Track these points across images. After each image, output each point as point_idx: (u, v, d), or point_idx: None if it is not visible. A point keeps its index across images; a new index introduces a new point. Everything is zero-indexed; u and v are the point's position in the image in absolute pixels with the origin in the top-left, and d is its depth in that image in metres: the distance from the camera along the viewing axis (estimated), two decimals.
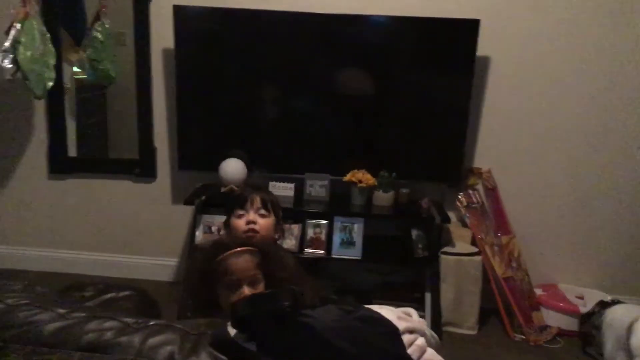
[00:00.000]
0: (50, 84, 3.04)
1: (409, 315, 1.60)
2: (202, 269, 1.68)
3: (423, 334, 1.50)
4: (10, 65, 2.87)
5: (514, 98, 3.23)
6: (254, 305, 1.13)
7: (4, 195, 3.66)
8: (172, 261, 3.64)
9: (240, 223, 2.01)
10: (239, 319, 1.13)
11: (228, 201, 2.19)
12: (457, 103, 3.09)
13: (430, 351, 1.47)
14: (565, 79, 3.17)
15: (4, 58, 2.86)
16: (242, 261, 1.63)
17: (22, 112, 3.52)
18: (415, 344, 1.43)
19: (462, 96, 3.07)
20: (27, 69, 2.89)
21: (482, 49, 3.04)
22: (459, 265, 3.12)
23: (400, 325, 1.42)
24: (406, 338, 1.41)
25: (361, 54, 3.15)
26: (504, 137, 3.28)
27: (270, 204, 2.07)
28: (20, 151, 3.59)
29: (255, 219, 2.01)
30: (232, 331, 1.19)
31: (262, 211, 2.04)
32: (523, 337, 3.09)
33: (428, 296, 3.15)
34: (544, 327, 3.15)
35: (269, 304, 1.12)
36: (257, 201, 2.04)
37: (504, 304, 3.15)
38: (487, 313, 3.26)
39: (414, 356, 1.38)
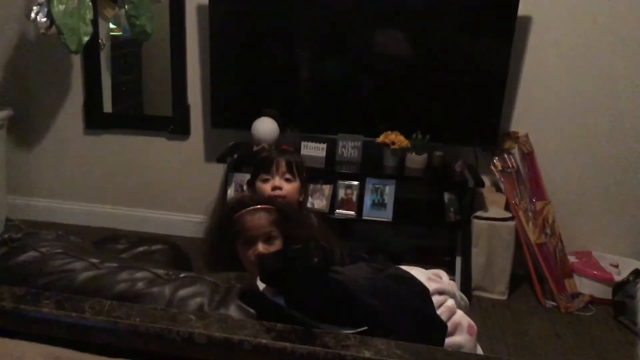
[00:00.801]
0: (87, 38, 3.04)
1: (439, 277, 1.58)
2: (221, 225, 1.74)
3: (453, 296, 1.49)
4: (45, 19, 2.88)
5: (555, 61, 3.13)
6: (283, 260, 1.13)
7: (40, 149, 3.73)
8: (204, 218, 3.67)
9: (265, 187, 2.01)
10: (267, 273, 1.12)
11: (253, 164, 2.18)
12: (496, 64, 3.01)
13: (459, 313, 1.46)
14: (609, 40, 3.06)
15: (38, 12, 2.87)
16: (257, 218, 1.66)
17: (59, 67, 3.56)
18: (444, 305, 1.42)
19: (501, 57, 2.99)
20: (61, 23, 2.90)
21: (523, 8, 2.94)
22: (492, 230, 3.08)
23: (430, 286, 1.41)
24: (435, 299, 1.40)
25: (397, 13, 3.08)
26: (543, 100, 3.19)
27: (296, 167, 2.05)
28: (57, 106, 3.64)
29: (280, 184, 2.00)
30: (261, 285, 1.19)
31: (288, 175, 2.03)
32: (554, 304, 3.06)
33: (459, 260, 3.13)
34: (576, 295, 3.12)
35: (299, 259, 1.12)
36: (283, 165, 2.03)
37: (536, 270, 3.11)
38: (519, 279, 3.23)
39: (442, 317, 1.37)
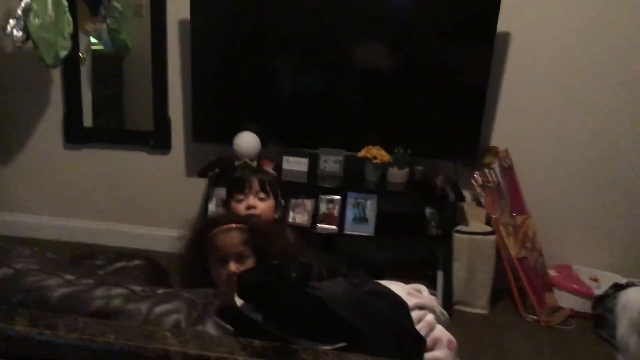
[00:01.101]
0: (65, 52, 3.03)
1: (419, 291, 1.59)
2: (194, 242, 1.77)
3: (433, 311, 1.49)
4: (20, 33, 2.87)
5: (534, 76, 3.17)
6: (260, 276, 1.12)
7: (19, 163, 3.69)
8: (183, 233, 3.63)
9: (240, 208, 2.01)
10: (245, 289, 1.12)
11: (227, 184, 2.19)
12: (476, 80, 3.04)
13: (439, 328, 1.46)
14: (587, 57, 3.10)
15: (14, 25, 2.85)
16: (229, 237, 1.67)
17: (38, 81, 3.53)
18: (424, 320, 1.42)
19: (480, 73, 3.02)
20: (37, 37, 2.88)
21: (502, 25, 2.98)
22: (473, 244, 3.09)
23: (410, 301, 1.41)
24: (415, 314, 1.40)
25: (379, 26, 3.10)
26: (522, 116, 3.23)
27: (269, 186, 2.06)
28: (36, 120, 3.61)
29: (255, 204, 2.01)
30: (238, 301, 1.19)
31: (262, 194, 2.03)
32: (535, 317, 3.07)
33: (440, 274, 3.13)
34: (557, 309, 3.13)
35: (276, 274, 1.11)
36: (256, 184, 2.03)
37: (517, 284, 3.13)
38: (499, 293, 3.24)
39: (422, 332, 1.37)
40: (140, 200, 3.66)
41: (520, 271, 3.09)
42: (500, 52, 3.12)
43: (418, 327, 1.35)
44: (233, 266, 1.64)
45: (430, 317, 1.42)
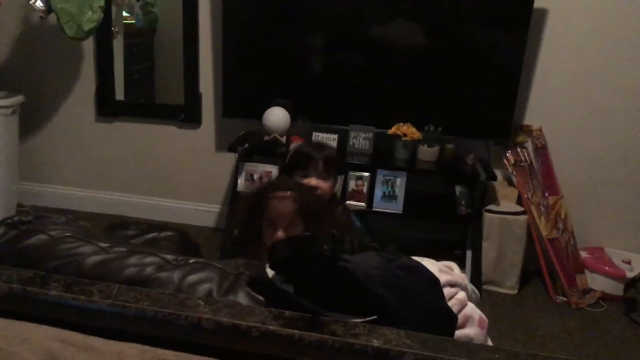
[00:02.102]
0: (92, 25, 3.02)
1: (451, 269, 1.57)
2: (251, 203, 1.80)
3: (464, 289, 1.47)
4: (41, 5, 2.88)
5: (571, 53, 3.09)
6: (292, 247, 1.12)
7: (52, 136, 3.74)
8: (214, 207, 3.67)
9: None
10: (277, 260, 1.12)
11: (289, 159, 2.17)
12: (510, 57, 2.98)
13: (470, 305, 1.44)
14: (626, 35, 3.01)
15: None
16: (282, 205, 1.71)
17: (71, 54, 3.56)
18: (455, 297, 1.40)
19: (515, 49, 2.95)
20: (58, 9, 2.89)
21: (540, 1, 2.90)
22: (503, 224, 3.06)
23: (442, 277, 1.40)
24: (447, 291, 1.38)
25: (412, 3, 3.05)
26: (558, 94, 3.16)
27: (332, 165, 2.05)
28: (68, 93, 3.65)
29: (317, 184, 2.00)
30: (270, 272, 1.19)
31: (324, 174, 2.02)
32: (565, 299, 3.04)
33: (469, 254, 3.11)
34: (587, 291, 3.09)
35: (308, 246, 1.11)
36: (321, 165, 2.02)
37: (547, 265, 3.09)
38: (529, 274, 3.21)
39: (453, 309, 1.35)
40: (170, 174, 3.69)
41: (551, 252, 3.05)
42: (537, 28, 3.04)
43: (450, 303, 1.34)
44: (280, 233, 1.68)
45: (462, 294, 1.40)
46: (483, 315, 1.44)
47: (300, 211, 1.72)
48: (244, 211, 1.85)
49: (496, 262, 3.09)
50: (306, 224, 1.72)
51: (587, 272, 3.14)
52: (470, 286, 1.54)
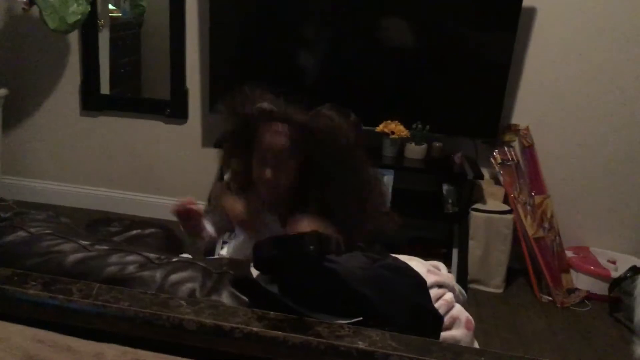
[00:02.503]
0: (76, 17, 2.98)
1: (438, 269, 1.56)
2: (241, 129, 1.53)
3: (452, 289, 1.46)
4: None
5: (559, 53, 3.09)
6: (277, 247, 1.10)
7: (35, 129, 3.69)
8: (200, 204, 3.63)
9: None
10: (262, 260, 1.10)
11: None
12: (499, 56, 2.98)
13: (457, 307, 1.43)
14: (614, 34, 3.02)
15: None
16: (274, 140, 1.46)
17: (56, 47, 3.50)
18: (443, 298, 1.39)
19: (504, 48, 2.95)
20: (40, 1, 2.85)
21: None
22: (489, 222, 3.06)
23: (430, 278, 1.39)
24: (434, 292, 1.38)
25: (400, 2, 3.04)
26: (545, 93, 3.16)
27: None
28: (53, 86, 3.60)
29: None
30: (254, 272, 1.17)
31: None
32: (550, 298, 3.04)
33: (455, 252, 3.11)
34: (573, 290, 3.10)
35: (294, 246, 1.09)
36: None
37: (533, 264, 3.09)
38: (515, 273, 3.22)
39: (440, 310, 1.35)
40: (156, 169, 3.65)
41: (536, 251, 3.06)
42: (525, 27, 3.04)
43: (436, 305, 1.33)
44: (269, 173, 1.45)
45: (449, 295, 1.40)
46: (470, 317, 1.43)
47: (299, 150, 1.46)
48: (232, 138, 1.57)
49: (482, 261, 3.09)
50: (302, 166, 1.47)
51: (572, 271, 3.15)
52: (457, 287, 1.54)
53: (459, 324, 1.38)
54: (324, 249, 1.08)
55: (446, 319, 1.35)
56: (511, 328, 2.78)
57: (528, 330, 2.78)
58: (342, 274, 1.10)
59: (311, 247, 1.06)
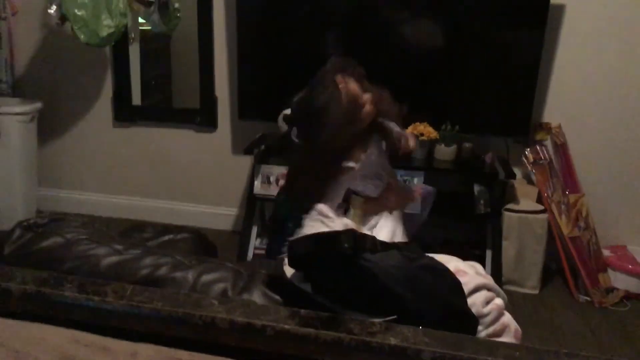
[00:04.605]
0: (109, 31, 3.02)
1: (475, 269, 1.53)
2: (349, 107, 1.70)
3: (498, 293, 1.44)
4: (54, 11, 2.91)
5: (589, 49, 3.04)
6: (312, 244, 1.10)
7: (69, 141, 3.76)
8: (231, 211, 3.67)
9: None
10: (295, 258, 1.10)
11: None
12: (528, 53, 2.94)
13: (508, 315, 1.41)
14: None
15: (51, 3, 2.89)
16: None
17: (88, 60, 3.57)
18: (494, 302, 1.37)
19: (533, 46, 2.91)
20: (71, 14, 2.91)
21: None
22: (523, 223, 3.01)
23: (478, 280, 1.37)
24: (482, 295, 1.35)
25: (428, 2, 3.03)
26: (577, 91, 3.11)
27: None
28: (86, 99, 3.67)
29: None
30: (288, 271, 1.17)
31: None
32: (588, 298, 2.98)
33: (489, 254, 3.07)
34: (611, 289, 3.03)
35: (329, 243, 1.09)
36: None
37: (569, 264, 3.04)
38: (550, 273, 3.17)
39: (491, 315, 1.33)
40: (187, 177, 3.69)
41: (572, 250, 3.00)
42: (555, 24, 3.00)
43: (487, 309, 1.31)
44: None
45: (499, 301, 1.37)
46: (518, 327, 1.41)
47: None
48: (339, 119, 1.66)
49: (516, 262, 3.05)
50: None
51: (609, 270, 3.08)
52: (501, 291, 1.51)
53: (508, 333, 1.36)
54: (359, 247, 1.08)
55: (497, 326, 1.33)
56: (548, 328, 2.73)
57: (566, 331, 2.72)
58: (376, 272, 1.10)
59: (346, 244, 1.05)
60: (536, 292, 3.06)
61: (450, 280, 1.26)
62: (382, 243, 1.18)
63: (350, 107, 1.64)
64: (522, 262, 3.05)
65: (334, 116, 1.62)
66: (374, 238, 1.14)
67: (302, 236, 1.12)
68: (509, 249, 3.04)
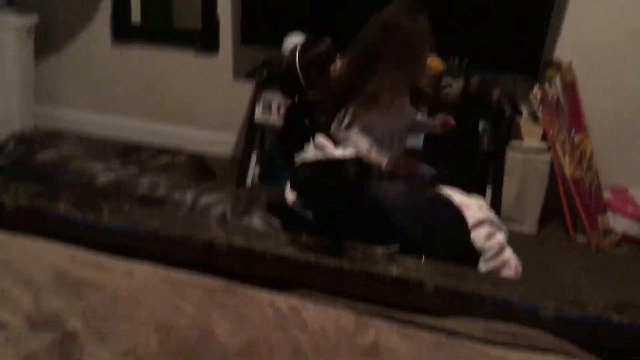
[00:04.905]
0: None
1: (479, 204, 1.51)
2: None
3: (500, 229, 1.41)
4: None
5: None
6: (317, 170, 1.06)
7: (67, 58, 3.68)
8: (231, 137, 3.62)
9: None
10: (300, 182, 1.06)
11: None
12: None
13: (509, 250, 1.39)
14: None
15: None
16: None
17: None
18: (495, 238, 1.35)
19: None
20: None
21: None
22: (526, 161, 2.98)
23: (482, 215, 1.34)
24: (485, 230, 1.33)
25: None
26: (590, 28, 3.00)
27: None
28: (84, 14, 3.56)
29: None
30: (290, 197, 1.14)
31: None
32: (585, 240, 2.98)
33: (489, 190, 3.04)
34: (609, 232, 3.03)
35: (334, 169, 1.05)
36: None
37: (569, 205, 3.02)
38: (549, 213, 3.14)
39: (492, 250, 1.31)
40: (186, 101, 3.63)
41: (573, 191, 2.98)
42: None
43: (489, 244, 1.29)
44: None
45: (501, 236, 1.35)
46: (518, 263, 1.39)
47: None
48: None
49: (516, 201, 3.03)
50: None
51: (609, 212, 3.07)
52: (501, 224, 1.48)
53: (508, 268, 1.35)
54: (365, 175, 1.04)
55: (497, 262, 1.31)
56: (545, 269, 2.74)
57: (562, 272, 2.73)
58: (381, 201, 1.07)
59: (352, 171, 1.02)
60: (534, 231, 3.06)
61: (455, 213, 1.24)
62: (388, 172, 1.14)
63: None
64: (522, 201, 3.03)
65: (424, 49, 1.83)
66: (380, 167, 1.10)
67: (307, 161, 1.08)
68: (509, 187, 3.01)
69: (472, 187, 3.07)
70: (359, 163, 1.06)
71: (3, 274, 0.86)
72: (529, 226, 3.06)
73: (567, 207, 3.02)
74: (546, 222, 3.13)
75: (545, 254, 2.87)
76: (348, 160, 1.06)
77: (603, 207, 3.06)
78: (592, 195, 3.04)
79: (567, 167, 2.97)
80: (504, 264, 1.37)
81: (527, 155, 2.98)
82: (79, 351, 0.75)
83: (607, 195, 3.12)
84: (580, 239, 3.00)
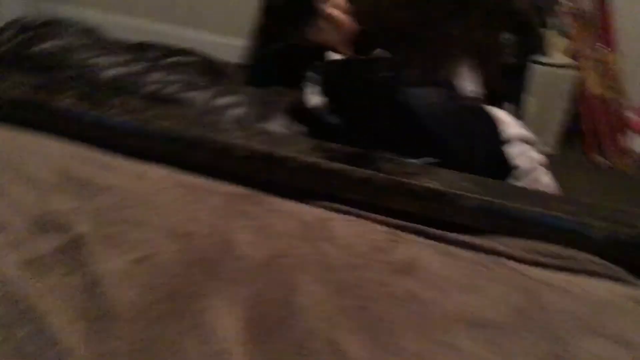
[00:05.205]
0: None
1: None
2: None
3: (534, 145, 1.32)
4: None
5: None
6: (346, 70, 0.96)
7: None
8: (242, 42, 3.47)
9: None
10: (328, 83, 0.96)
11: None
12: None
13: (541, 169, 1.30)
14: None
15: None
16: None
17: None
18: (528, 154, 1.26)
19: None
20: None
21: None
22: (549, 76, 2.85)
23: (515, 130, 1.25)
24: (518, 146, 1.24)
25: None
26: None
27: None
28: None
29: None
30: (314, 100, 1.04)
31: None
32: (604, 160, 2.91)
33: (509, 106, 2.93)
34: (630, 152, 2.95)
35: (364, 71, 0.94)
36: None
37: (590, 124, 2.92)
38: (570, 132, 3.05)
39: (524, 168, 1.22)
40: (198, 2, 3.46)
41: (596, 110, 2.87)
42: None
43: (521, 160, 1.20)
44: None
45: (534, 154, 1.26)
46: (553, 183, 1.31)
47: None
48: None
49: (536, 117, 2.92)
50: None
51: (629, 133, 2.98)
52: (534, 140, 1.39)
53: (539, 188, 1.26)
54: (398, 78, 0.94)
55: (529, 179, 1.23)
56: (563, 189, 2.67)
57: (581, 192, 2.65)
58: (414, 107, 0.97)
59: (386, 73, 0.91)
60: (552, 150, 2.98)
61: (491, 125, 1.15)
62: (423, 77, 1.04)
63: None
64: (542, 117, 2.92)
65: None
66: (415, 71, 1.00)
67: (335, 59, 0.97)
68: (530, 103, 2.90)
69: (490, 103, 2.99)
70: (391, 63, 0.96)
71: (2, 171, 0.78)
72: (548, 144, 2.97)
73: (588, 127, 2.93)
74: (565, 141, 3.04)
75: (564, 174, 2.77)
76: (380, 60, 0.96)
77: (625, 128, 2.96)
78: (615, 115, 2.93)
79: (592, 84, 2.85)
80: (534, 183, 1.29)
81: (552, 70, 2.85)
82: (88, 257, 0.68)
83: (631, 115, 3.01)
84: (599, 159, 2.92)
